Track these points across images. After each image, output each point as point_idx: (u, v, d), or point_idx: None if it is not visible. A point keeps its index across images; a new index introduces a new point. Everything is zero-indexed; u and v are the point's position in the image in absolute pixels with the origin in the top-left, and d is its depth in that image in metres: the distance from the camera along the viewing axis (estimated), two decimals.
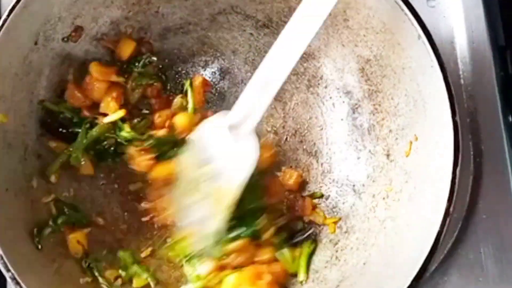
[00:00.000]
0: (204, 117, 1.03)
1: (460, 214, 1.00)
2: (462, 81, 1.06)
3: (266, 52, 1.05)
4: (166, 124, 1.02)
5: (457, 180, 0.82)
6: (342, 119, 1.04)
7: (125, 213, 1.03)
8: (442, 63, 0.85)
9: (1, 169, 0.89)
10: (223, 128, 0.94)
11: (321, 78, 1.05)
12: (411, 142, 0.93)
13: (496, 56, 1.06)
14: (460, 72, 1.06)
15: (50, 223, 0.95)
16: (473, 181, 1.02)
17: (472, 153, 1.03)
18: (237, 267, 0.96)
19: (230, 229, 0.97)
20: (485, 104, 1.05)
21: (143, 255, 1.00)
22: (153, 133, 1.01)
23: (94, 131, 0.99)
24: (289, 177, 1.04)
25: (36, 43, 0.93)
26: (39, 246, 0.91)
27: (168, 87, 1.08)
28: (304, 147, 1.07)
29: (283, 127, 1.08)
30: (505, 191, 1.02)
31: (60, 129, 1.00)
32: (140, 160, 1.00)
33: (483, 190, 1.02)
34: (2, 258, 0.81)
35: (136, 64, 1.04)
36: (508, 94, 1.05)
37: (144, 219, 1.02)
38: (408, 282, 0.81)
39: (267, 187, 1.02)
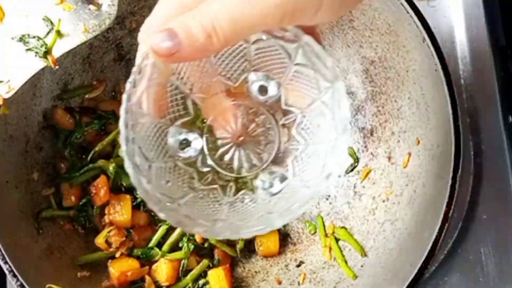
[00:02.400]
0: None
1: (460, 215, 0.99)
2: (462, 81, 1.05)
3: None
4: None
5: (457, 186, 0.82)
6: None
7: None
8: (446, 67, 0.85)
9: (2, 161, 0.89)
10: None
11: None
12: (409, 154, 0.93)
13: (496, 56, 1.05)
14: (460, 72, 1.06)
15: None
16: (473, 181, 1.01)
17: (472, 153, 1.02)
18: None
19: None
20: (485, 104, 1.04)
21: None
22: None
23: None
24: None
25: None
26: (40, 231, 0.93)
27: None
28: None
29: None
30: (505, 191, 1.01)
31: None
32: None
33: (483, 190, 1.01)
34: (0, 250, 0.81)
35: None
36: (508, 94, 1.05)
37: None
38: (405, 286, 0.81)
39: None
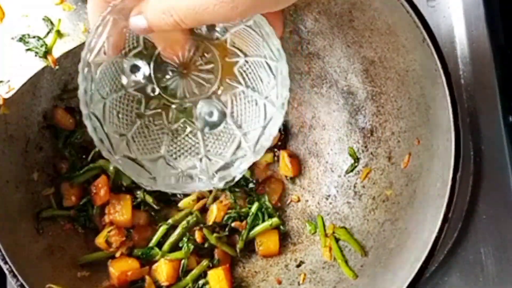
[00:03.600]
0: None
1: (460, 215, 1.00)
2: (462, 81, 1.06)
3: None
4: None
5: (457, 186, 0.82)
6: (344, 120, 1.03)
7: None
8: (446, 66, 0.85)
9: (2, 161, 0.89)
10: None
11: (325, 78, 1.04)
12: (409, 154, 0.93)
13: (496, 56, 1.06)
14: (460, 72, 1.06)
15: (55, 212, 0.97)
16: (473, 181, 1.01)
17: (472, 153, 1.02)
18: None
19: None
20: (485, 104, 1.04)
21: None
22: None
23: None
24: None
25: None
26: (40, 231, 0.93)
27: None
28: (306, 146, 1.07)
29: (285, 126, 1.08)
30: (505, 191, 1.01)
31: None
32: None
33: (483, 190, 1.01)
34: (0, 250, 0.81)
35: None
36: (508, 94, 1.05)
37: None
38: (405, 286, 0.81)
39: None
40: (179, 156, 0.70)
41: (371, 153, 1.01)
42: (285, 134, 1.07)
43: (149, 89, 0.69)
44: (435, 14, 1.08)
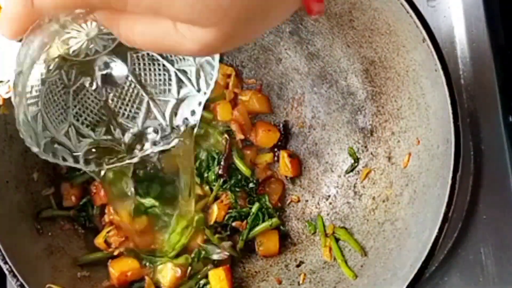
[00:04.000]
0: None
1: (460, 215, 1.00)
2: (462, 81, 1.06)
3: (271, 50, 1.06)
4: None
5: (457, 186, 0.82)
6: (344, 120, 1.03)
7: None
8: (446, 67, 0.85)
9: (2, 161, 0.89)
10: None
11: (325, 78, 1.05)
12: (409, 154, 0.93)
13: (496, 56, 1.06)
14: (460, 72, 1.06)
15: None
16: (473, 181, 1.01)
17: (472, 153, 1.02)
18: None
19: None
20: (485, 104, 1.04)
21: None
22: None
23: None
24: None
25: None
26: (40, 231, 0.93)
27: None
28: (306, 146, 1.07)
29: (285, 126, 1.08)
30: (505, 191, 1.01)
31: None
32: None
33: (483, 190, 1.01)
34: (0, 250, 0.81)
35: None
36: (508, 94, 1.05)
37: None
38: (405, 286, 0.81)
39: None
40: (86, 118, 0.71)
41: (371, 153, 1.01)
42: (285, 134, 1.07)
43: (52, 53, 0.68)
44: (435, 14, 1.08)
